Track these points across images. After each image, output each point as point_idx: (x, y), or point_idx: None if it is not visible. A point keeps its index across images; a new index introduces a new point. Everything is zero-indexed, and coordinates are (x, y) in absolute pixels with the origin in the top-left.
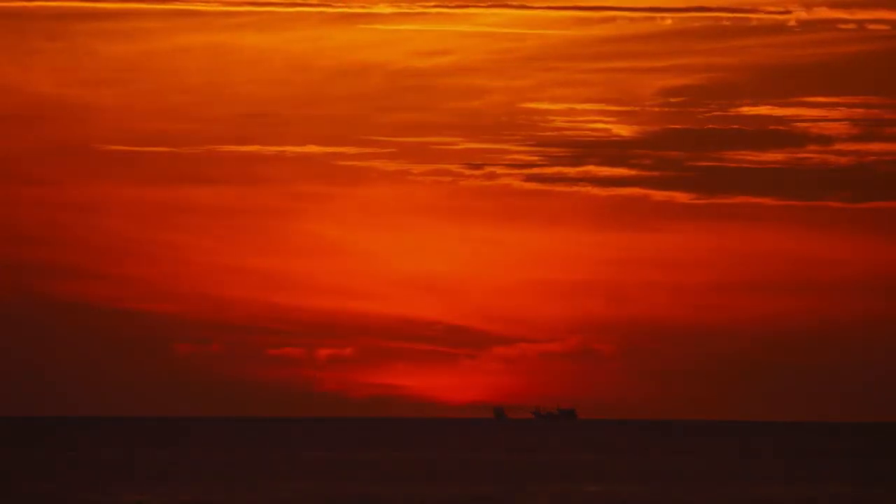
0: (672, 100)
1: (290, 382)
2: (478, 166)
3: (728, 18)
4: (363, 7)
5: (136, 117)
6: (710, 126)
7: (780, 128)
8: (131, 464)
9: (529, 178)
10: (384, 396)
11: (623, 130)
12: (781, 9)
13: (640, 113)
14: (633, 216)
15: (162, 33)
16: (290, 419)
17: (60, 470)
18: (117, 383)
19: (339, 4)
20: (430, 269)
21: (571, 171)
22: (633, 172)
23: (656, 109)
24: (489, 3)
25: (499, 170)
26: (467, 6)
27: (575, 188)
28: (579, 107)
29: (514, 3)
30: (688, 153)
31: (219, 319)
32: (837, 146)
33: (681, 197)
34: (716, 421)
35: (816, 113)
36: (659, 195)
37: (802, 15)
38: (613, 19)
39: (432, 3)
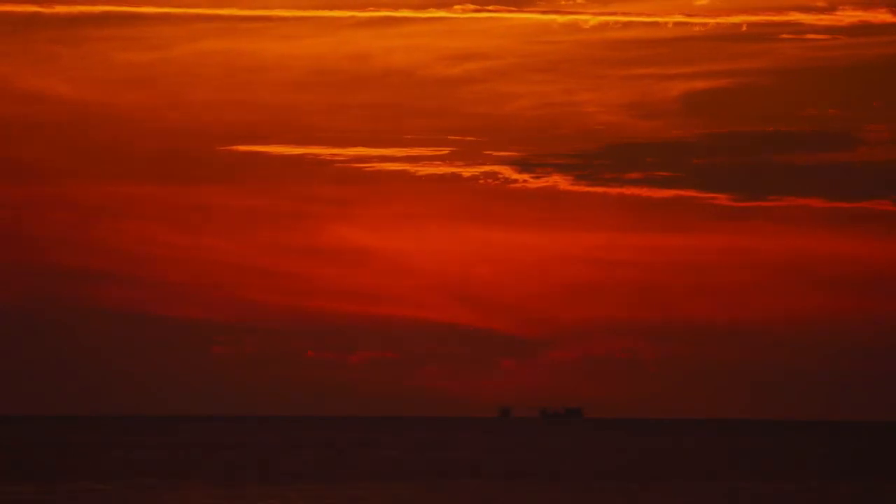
0: (712, 102)
1: (327, 383)
2: (527, 168)
3: (767, 23)
4: (385, 11)
5: (159, 121)
6: (753, 129)
7: (822, 130)
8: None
9: (573, 182)
10: (420, 398)
11: (664, 133)
12: (829, 9)
13: (679, 115)
14: (675, 218)
15: (182, 39)
16: (331, 418)
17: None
18: (157, 385)
19: (362, 9)
20: (467, 273)
21: (612, 174)
22: (675, 175)
23: (697, 111)
24: (516, 9)
25: (540, 173)
26: (494, 11)
27: (616, 190)
28: (618, 110)
29: (543, 9)
30: (729, 156)
31: (253, 323)
32: (883, 148)
33: (723, 199)
34: (761, 420)
35: (859, 115)
36: (701, 197)
37: (853, 17)
38: (656, 24)
39: (458, 9)
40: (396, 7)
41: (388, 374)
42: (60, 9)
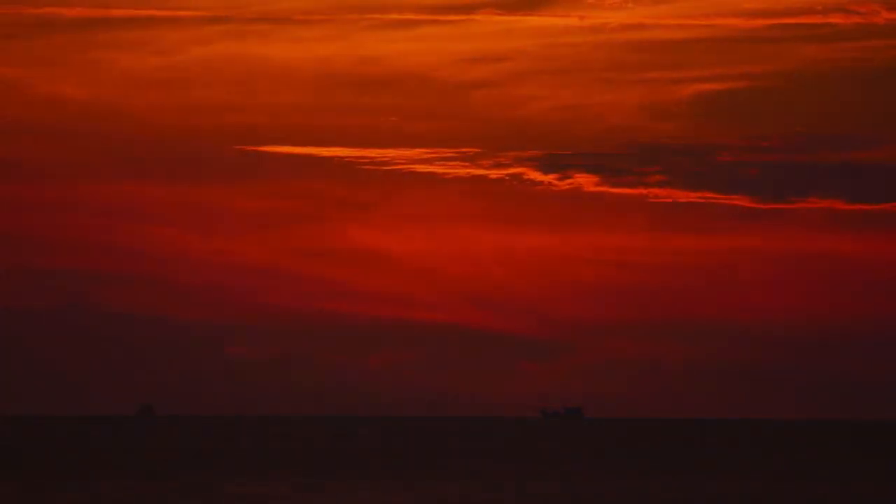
0: (733, 104)
1: (344, 384)
2: (551, 170)
3: (790, 24)
4: (405, 14)
5: (174, 123)
6: (774, 130)
7: (845, 131)
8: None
9: (598, 184)
10: (441, 400)
11: (686, 135)
12: (865, 9)
13: (701, 116)
14: (697, 220)
15: (194, 42)
16: (358, 417)
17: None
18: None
19: (381, 13)
20: (487, 275)
21: (635, 177)
22: (697, 177)
23: (718, 113)
24: (534, 12)
25: (565, 175)
26: (516, 15)
27: (639, 192)
28: (639, 112)
29: (560, 12)
30: (751, 157)
31: (270, 326)
32: None
33: (745, 201)
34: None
35: (884, 116)
36: (723, 199)
37: (881, 18)
38: (676, 26)
39: (475, 14)
40: (417, 11)
41: (407, 377)
42: (73, 13)
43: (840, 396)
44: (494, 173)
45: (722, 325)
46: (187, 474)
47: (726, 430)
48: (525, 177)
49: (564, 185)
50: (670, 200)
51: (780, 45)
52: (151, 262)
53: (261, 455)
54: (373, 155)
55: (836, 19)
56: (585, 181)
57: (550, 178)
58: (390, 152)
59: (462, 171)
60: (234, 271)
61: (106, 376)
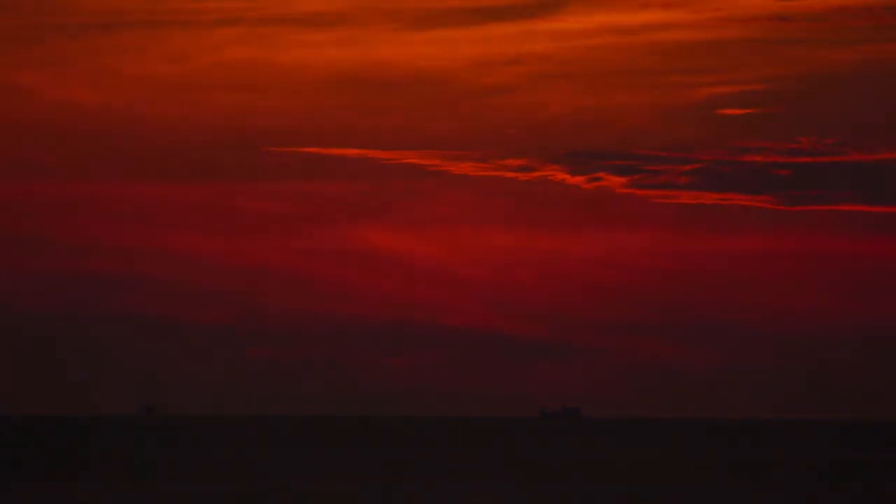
0: (756, 106)
1: (361, 387)
2: (579, 172)
3: (812, 27)
4: (423, 18)
5: (188, 125)
6: (796, 133)
7: (866, 131)
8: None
9: (625, 186)
10: (462, 401)
11: (709, 137)
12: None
13: (723, 118)
14: (720, 221)
15: (207, 45)
16: (365, 417)
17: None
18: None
19: (399, 16)
20: (500, 278)
21: (664, 178)
22: (720, 178)
23: (741, 115)
24: (550, 17)
25: (592, 178)
26: (528, 19)
27: (665, 193)
28: (662, 114)
29: (577, 14)
30: (775, 159)
31: (293, 330)
32: None
33: (770, 202)
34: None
35: None
36: (747, 201)
37: None
38: (698, 27)
39: (491, 17)
40: (437, 14)
41: (424, 378)
42: (83, 18)
43: (857, 398)
44: (524, 175)
45: (742, 326)
46: (219, 474)
47: (739, 431)
48: (554, 179)
49: (593, 186)
50: (698, 202)
51: (807, 47)
52: (168, 264)
53: (285, 455)
54: (396, 156)
55: (861, 22)
56: (614, 183)
57: (579, 180)
58: (412, 153)
59: (493, 173)
60: (253, 274)
61: (122, 377)
